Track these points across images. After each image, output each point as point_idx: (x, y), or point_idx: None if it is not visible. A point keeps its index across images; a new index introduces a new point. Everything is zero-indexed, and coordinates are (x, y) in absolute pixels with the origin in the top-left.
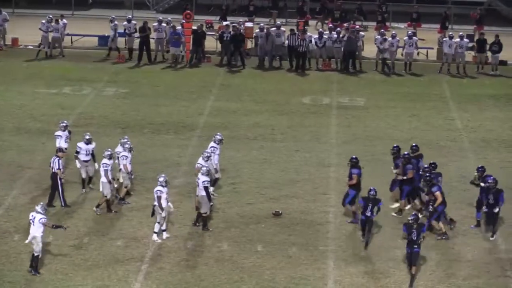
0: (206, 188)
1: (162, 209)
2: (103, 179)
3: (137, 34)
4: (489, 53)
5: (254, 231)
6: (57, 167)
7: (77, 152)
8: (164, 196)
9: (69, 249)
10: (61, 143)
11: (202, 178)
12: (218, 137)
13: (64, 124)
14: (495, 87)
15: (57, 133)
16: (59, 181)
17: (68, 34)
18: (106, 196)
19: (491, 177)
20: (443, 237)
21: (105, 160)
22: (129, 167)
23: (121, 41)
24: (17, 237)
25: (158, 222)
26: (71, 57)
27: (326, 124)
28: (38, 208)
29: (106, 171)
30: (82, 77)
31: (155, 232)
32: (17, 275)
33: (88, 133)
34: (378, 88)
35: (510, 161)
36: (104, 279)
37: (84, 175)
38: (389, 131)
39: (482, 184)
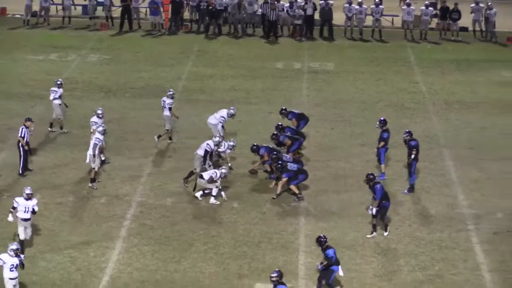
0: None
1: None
2: (90, 151)
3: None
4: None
5: (230, 189)
6: (20, 135)
7: (14, 208)
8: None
9: (55, 206)
10: (55, 97)
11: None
12: (232, 111)
13: (59, 82)
14: (457, 52)
15: (53, 88)
16: (21, 149)
17: (53, 4)
18: (94, 168)
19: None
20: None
21: (97, 135)
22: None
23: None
24: (6, 195)
25: (217, 186)
26: (56, 26)
27: (298, 88)
28: None
29: (95, 145)
30: (68, 45)
31: (213, 196)
32: (5, 231)
33: (29, 187)
34: (346, 53)
35: (471, 122)
36: (89, 234)
37: (22, 236)
38: (358, 94)
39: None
